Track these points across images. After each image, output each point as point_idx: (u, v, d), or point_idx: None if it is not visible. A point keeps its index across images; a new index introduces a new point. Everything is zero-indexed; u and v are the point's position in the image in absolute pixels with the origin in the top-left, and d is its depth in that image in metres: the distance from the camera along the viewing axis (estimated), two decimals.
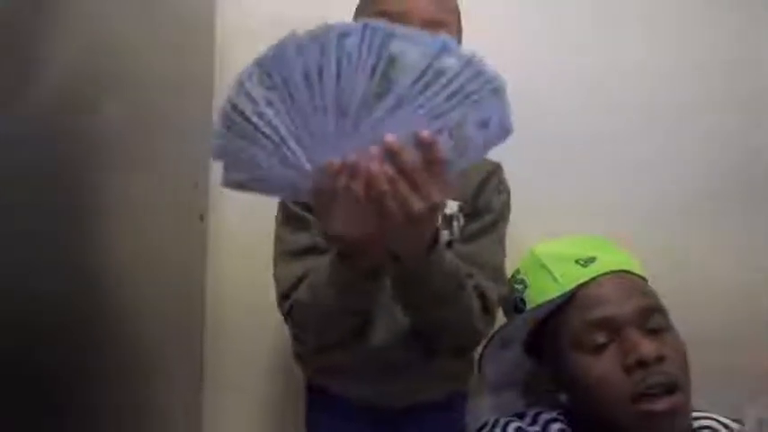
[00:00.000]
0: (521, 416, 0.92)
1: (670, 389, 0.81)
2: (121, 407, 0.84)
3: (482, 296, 0.87)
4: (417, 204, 0.65)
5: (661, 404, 0.80)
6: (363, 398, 0.93)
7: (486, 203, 0.93)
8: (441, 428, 0.96)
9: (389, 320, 0.89)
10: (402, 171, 0.64)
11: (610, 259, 0.90)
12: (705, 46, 1.17)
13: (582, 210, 1.13)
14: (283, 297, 0.88)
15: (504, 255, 0.94)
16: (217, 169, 0.71)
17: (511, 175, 0.99)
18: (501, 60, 0.65)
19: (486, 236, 0.92)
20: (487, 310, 0.88)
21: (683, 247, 1.15)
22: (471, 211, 0.92)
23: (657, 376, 0.80)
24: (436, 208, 0.67)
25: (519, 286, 0.94)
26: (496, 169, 0.96)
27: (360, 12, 0.92)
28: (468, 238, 0.92)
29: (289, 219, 0.91)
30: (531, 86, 1.08)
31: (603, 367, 0.83)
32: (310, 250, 0.88)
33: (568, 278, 0.88)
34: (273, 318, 0.93)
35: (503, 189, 0.96)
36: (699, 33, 1.18)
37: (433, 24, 0.82)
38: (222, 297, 1.14)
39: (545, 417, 0.91)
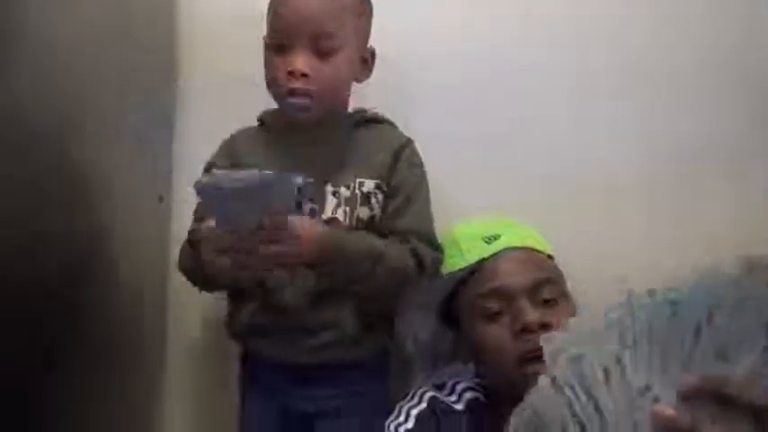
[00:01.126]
0: (440, 386, 1.02)
1: None
2: (86, 386, 0.94)
3: (416, 256, 0.97)
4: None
5: (542, 367, 0.88)
6: (278, 356, 1.03)
7: (403, 178, 1.01)
8: (362, 388, 1.05)
9: (301, 281, 1.00)
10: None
11: (513, 237, 0.99)
12: (636, 30, 1.19)
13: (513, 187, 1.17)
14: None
15: (431, 221, 1.02)
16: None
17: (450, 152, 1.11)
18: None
19: (410, 207, 1.00)
20: (423, 269, 0.98)
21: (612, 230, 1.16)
22: (389, 188, 1.01)
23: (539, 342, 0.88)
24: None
25: None
26: (407, 144, 1.04)
27: None
28: (394, 213, 1.01)
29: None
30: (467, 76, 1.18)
31: (496, 333, 0.92)
32: None
33: (473, 253, 0.98)
34: None
35: (416, 162, 1.04)
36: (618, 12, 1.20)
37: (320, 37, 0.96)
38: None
39: (462, 386, 1.01)
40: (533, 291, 0.93)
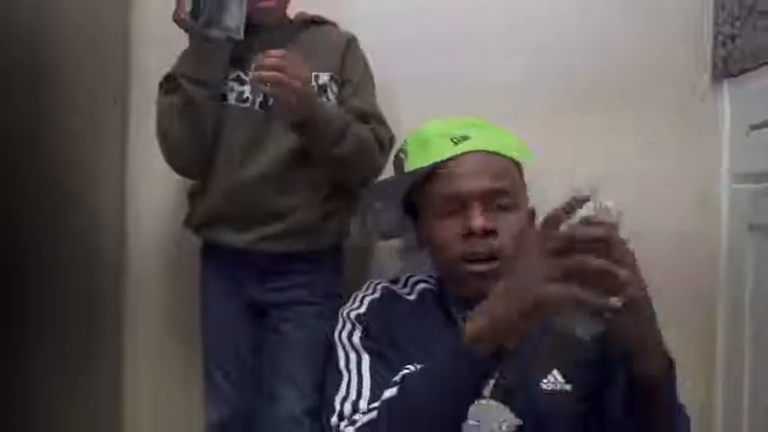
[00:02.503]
0: (395, 281, 1.07)
1: (491, 257, 0.95)
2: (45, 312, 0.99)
3: (376, 135, 1.06)
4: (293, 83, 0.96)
5: (481, 267, 0.95)
6: (238, 244, 1.07)
7: (352, 69, 1.11)
8: (318, 279, 1.12)
9: (262, 161, 1.06)
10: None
11: (482, 140, 1.00)
12: None
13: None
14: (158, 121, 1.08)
15: (378, 108, 1.12)
16: None
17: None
18: None
19: (362, 93, 1.11)
20: (383, 149, 1.08)
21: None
22: (340, 80, 1.10)
23: (482, 247, 0.95)
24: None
25: (402, 155, 1.06)
26: (352, 40, 1.14)
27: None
28: (350, 98, 1.10)
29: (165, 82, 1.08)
30: None
31: (446, 231, 0.98)
32: None
33: (439, 152, 0.99)
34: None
35: (361, 55, 1.14)
36: None
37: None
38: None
39: (415, 279, 1.07)
40: (486, 197, 0.96)
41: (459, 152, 0.98)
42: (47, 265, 0.99)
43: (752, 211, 1.14)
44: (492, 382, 0.91)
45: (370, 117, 1.08)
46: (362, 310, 1.01)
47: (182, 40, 1.06)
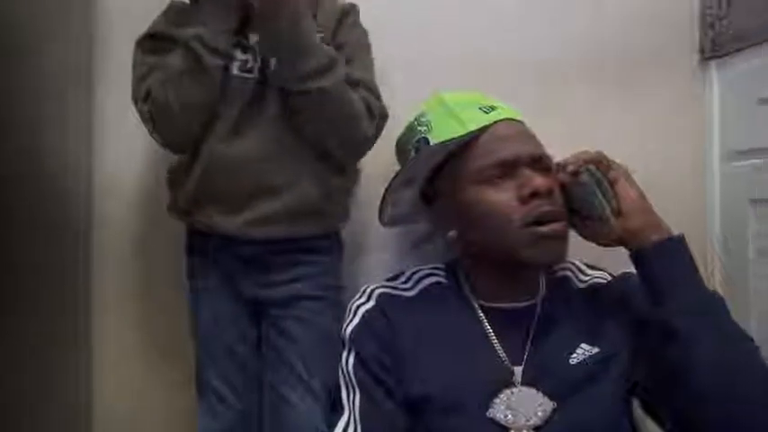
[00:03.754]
0: (394, 277, 1.00)
1: (557, 217, 0.92)
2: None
3: (365, 101, 0.95)
4: None
5: (547, 228, 0.91)
6: (229, 230, 0.95)
7: (347, 36, 1.01)
8: (310, 268, 1.01)
9: (257, 133, 0.94)
10: None
11: (506, 110, 0.99)
12: None
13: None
14: (140, 80, 0.93)
15: (374, 78, 1.01)
16: None
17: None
18: None
19: (355, 61, 0.99)
20: (372, 116, 0.96)
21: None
22: (334, 44, 0.99)
23: (548, 206, 0.91)
24: None
25: (422, 128, 0.98)
26: (351, 9, 1.04)
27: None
28: None
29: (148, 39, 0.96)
30: None
31: (500, 197, 0.92)
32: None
33: (473, 121, 0.95)
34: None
35: (359, 23, 1.05)
36: None
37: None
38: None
39: (421, 273, 1.01)
40: (535, 161, 0.94)
41: (494, 120, 0.95)
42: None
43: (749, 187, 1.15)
44: (520, 369, 0.91)
45: (361, 86, 0.98)
46: (355, 322, 0.95)
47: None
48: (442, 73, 1.17)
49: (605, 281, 1.02)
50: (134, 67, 0.95)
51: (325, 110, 0.92)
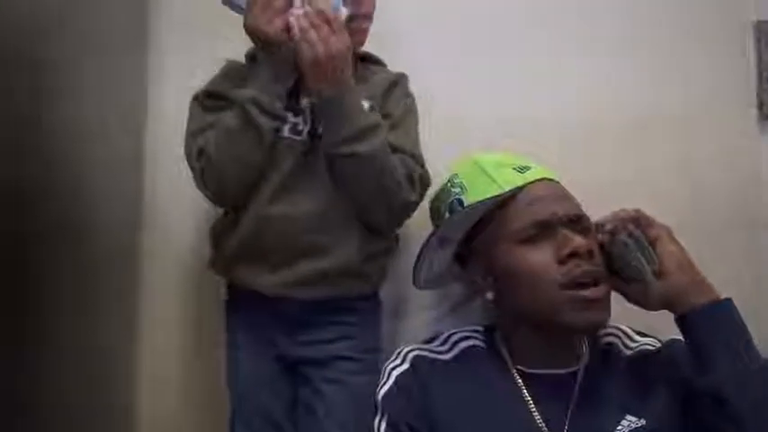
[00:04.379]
0: (431, 340, 0.98)
1: (597, 279, 0.88)
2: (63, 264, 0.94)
3: (407, 167, 0.95)
4: (337, 44, 0.89)
5: (589, 292, 0.87)
6: (269, 289, 0.97)
7: (395, 105, 1.02)
8: (347, 329, 1.01)
9: (302, 195, 0.96)
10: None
11: (541, 170, 0.97)
12: None
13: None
14: (193, 136, 0.96)
15: (418, 146, 1.02)
16: None
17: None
18: None
19: (400, 128, 1.00)
20: (413, 183, 0.96)
21: None
22: (382, 111, 1.00)
23: (588, 267, 0.88)
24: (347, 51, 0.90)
25: (456, 189, 0.98)
26: (400, 79, 1.06)
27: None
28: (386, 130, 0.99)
29: (205, 97, 1.00)
30: None
31: (538, 258, 0.89)
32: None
33: (508, 181, 0.94)
34: None
35: (408, 93, 1.06)
36: None
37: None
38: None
39: (458, 336, 0.98)
40: (573, 221, 0.91)
41: (530, 180, 0.94)
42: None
43: None
44: None
45: (404, 153, 0.98)
46: (388, 385, 0.93)
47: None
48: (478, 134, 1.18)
49: (654, 348, 0.96)
50: (189, 121, 0.99)
51: (362, 174, 0.93)
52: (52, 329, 0.94)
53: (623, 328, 0.99)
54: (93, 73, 1.04)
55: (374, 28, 1.06)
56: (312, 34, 0.89)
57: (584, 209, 0.95)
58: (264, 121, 0.92)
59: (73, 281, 0.99)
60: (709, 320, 0.84)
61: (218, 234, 1.01)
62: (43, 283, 0.92)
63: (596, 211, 0.95)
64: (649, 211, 0.93)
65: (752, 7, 1.23)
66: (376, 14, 1.05)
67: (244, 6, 0.92)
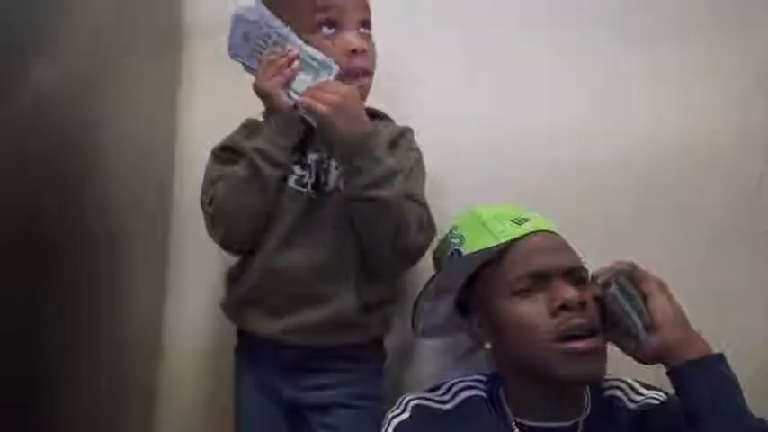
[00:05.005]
0: (434, 388, 1.00)
1: (590, 332, 0.89)
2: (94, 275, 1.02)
3: (417, 215, 0.98)
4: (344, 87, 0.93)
5: (581, 344, 0.88)
6: (272, 334, 1.00)
7: (402, 157, 1.03)
8: (354, 378, 1.03)
9: (305, 245, 1.00)
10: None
11: (541, 221, 0.99)
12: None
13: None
14: (208, 186, 1.02)
15: (423, 193, 1.04)
16: None
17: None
18: None
19: (408, 181, 1.01)
20: (422, 227, 0.99)
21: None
22: None
23: (579, 319, 0.89)
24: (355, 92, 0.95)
25: (455, 240, 1.00)
26: (406, 132, 1.08)
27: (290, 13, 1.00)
28: None
29: (221, 151, 1.05)
30: None
31: (531, 310, 0.90)
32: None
33: (504, 233, 0.95)
34: None
35: (413, 147, 1.08)
36: None
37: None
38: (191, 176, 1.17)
39: (460, 385, 0.99)
40: (567, 273, 0.92)
41: (526, 231, 0.95)
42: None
43: None
44: None
45: (414, 200, 1.01)
46: None
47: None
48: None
49: (659, 401, 0.95)
50: (205, 174, 1.05)
51: (382, 218, 0.95)
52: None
53: (630, 381, 0.98)
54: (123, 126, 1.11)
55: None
56: (320, 94, 0.93)
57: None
58: (267, 170, 0.97)
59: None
60: (697, 374, 0.83)
61: (230, 279, 1.06)
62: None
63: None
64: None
65: None
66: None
67: (255, 67, 0.98)
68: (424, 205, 1.02)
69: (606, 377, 0.98)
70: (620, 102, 1.24)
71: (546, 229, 0.98)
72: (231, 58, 1.00)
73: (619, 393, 0.97)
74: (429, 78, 1.24)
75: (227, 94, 1.14)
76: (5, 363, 0.82)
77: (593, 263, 0.96)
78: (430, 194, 1.06)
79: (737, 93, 1.23)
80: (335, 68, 0.95)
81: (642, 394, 0.96)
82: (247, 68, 1.01)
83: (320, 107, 0.92)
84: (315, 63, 0.95)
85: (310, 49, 0.95)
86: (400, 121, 1.11)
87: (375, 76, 1.04)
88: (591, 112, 1.24)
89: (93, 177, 1.02)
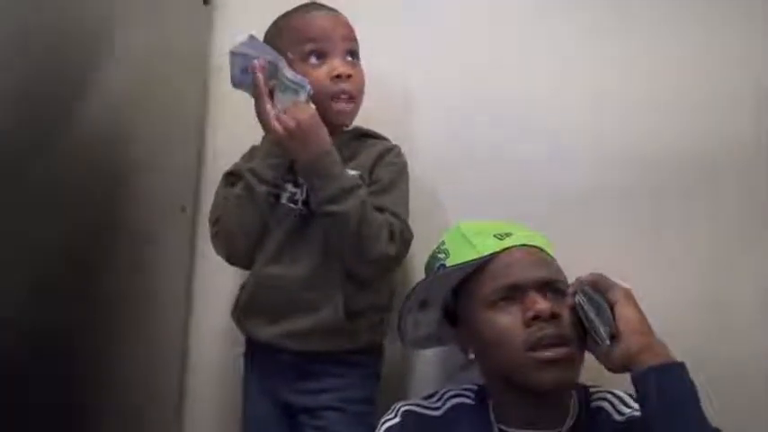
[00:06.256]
0: (429, 396, 1.05)
1: (560, 342, 0.92)
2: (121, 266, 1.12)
3: (390, 226, 1.05)
4: (300, 115, 1.02)
5: (550, 353, 0.91)
6: (270, 340, 1.08)
7: (383, 172, 1.11)
8: (337, 380, 1.09)
9: (297, 257, 1.08)
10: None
11: (523, 235, 1.02)
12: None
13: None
14: (215, 207, 1.14)
15: (404, 210, 1.10)
16: None
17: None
18: None
19: (387, 193, 1.09)
20: (393, 238, 1.05)
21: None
22: (370, 180, 1.11)
23: (550, 330, 0.92)
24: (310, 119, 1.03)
25: (441, 255, 1.05)
26: (392, 148, 1.15)
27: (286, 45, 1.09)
28: (371, 195, 1.08)
29: (228, 175, 1.16)
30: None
31: (506, 321, 0.94)
32: None
33: (485, 247, 1.00)
34: None
35: (397, 162, 1.14)
36: None
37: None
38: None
39: (451, 393, 1.04)
40: (543, 286, 0.95)
41: (506, 246, 0.99)
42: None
43: None
44: None
45: (388, 212, 1.07)
46: None
47: None
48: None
49: None
50: (215, 196, 1.17)
51: (341, 230, 1.03)
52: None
53: (620, 393, 0.99)
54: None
55: None
56: (283, 118, 1.02)
57: None
58: (258, 187, 1.07)
59: None
60: (658, 381, 0.84)
61: (240, 289, 1.16)
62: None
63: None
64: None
65: None
66: None
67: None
68: (396, 215, 1.07)
69: (597, 388, 1.01)
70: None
71: (528, 243, 1.01)
72: (235, 88, 1.09)
73: (606, 405, 0.98)
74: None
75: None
76: (49, 364, 0.95)
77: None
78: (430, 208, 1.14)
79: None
80: (308, 88, 1.03)
81: (630, 407, 0.97)
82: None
83: (277, 131, 1.02)
84: (292, 84, 1.04)
85: (289, 73, 1.04)
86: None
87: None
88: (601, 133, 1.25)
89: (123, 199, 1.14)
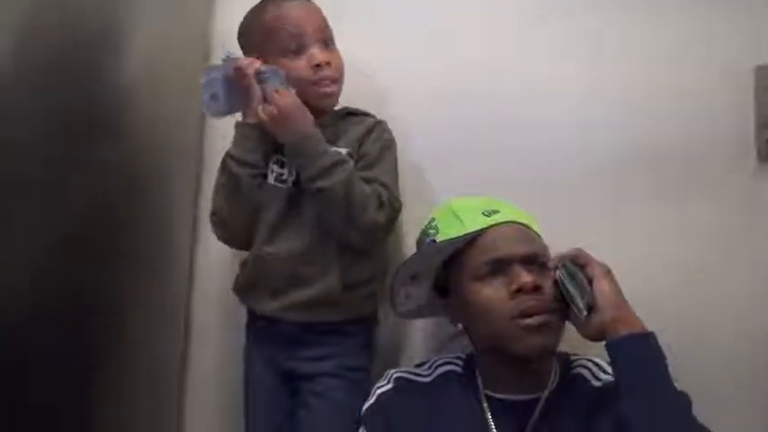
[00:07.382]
0: (421, 364, 1.12)
1: (542, 311, 0.98)
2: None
3: (378, 196, 1.11)
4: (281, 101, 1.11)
5: (532, 320, 0.98)
6: (270, 312, 1.15)
7: (371, 146, 1.18)
8: (333, 349, 1.16)
9: (290, 234, 1.15)
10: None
11: (510, 213, 1.07)
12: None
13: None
14: (214, 194, 1.20)
15: (392, 180, 1.17)
16: None
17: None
18: None
19: (375, 166, 1.16)
20: (382, 206, 1.12)
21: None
22: (358, 155, 1.17)
23: (532, 301, 0.98)
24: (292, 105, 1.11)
25: (432, 231, 1.10)
26: (377, 124, 1.21)
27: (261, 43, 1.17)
28: (360, 168, 1.15)
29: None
30: None
31: (492, 293, 1.01)
32: None
33: (473, 223, 1.05)
34: None
35: (385, 137, 1.21)
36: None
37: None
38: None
39: (439, 362, 1.11)
40: (527, 260, 1.01)
41: (493, 222, 1.05)
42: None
43: None
44: None
45: (377, 182, 1.14)
46: (371, 402, 1.07)
47: None
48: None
49: None
50: (214, 184, 1.23)
51: (330, 203, 1.09)
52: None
53: (599, 360, 1.05)
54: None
55: None
56: (267, 105, 1.12)
57: None
58: (237, 170, 1.14)
59: None
60: (629, 348, 0.90)
61: (240, 267, 1.22)
62: None
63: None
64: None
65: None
66: None
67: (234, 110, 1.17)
68: (384, 185, 1.14)
69: (577, 356, 1.07)
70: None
71: (514, 219, 1.06)
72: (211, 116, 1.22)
73: (585, 371, 1.05)
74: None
75: None
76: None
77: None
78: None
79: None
80: (282, 72, 1.13)
81: (608, 373, 1.02)
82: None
83: (262, 119, 1.11)
84: (267, 73, 1.13)
85: (262, 66, 1.13)
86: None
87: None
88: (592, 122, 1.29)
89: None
